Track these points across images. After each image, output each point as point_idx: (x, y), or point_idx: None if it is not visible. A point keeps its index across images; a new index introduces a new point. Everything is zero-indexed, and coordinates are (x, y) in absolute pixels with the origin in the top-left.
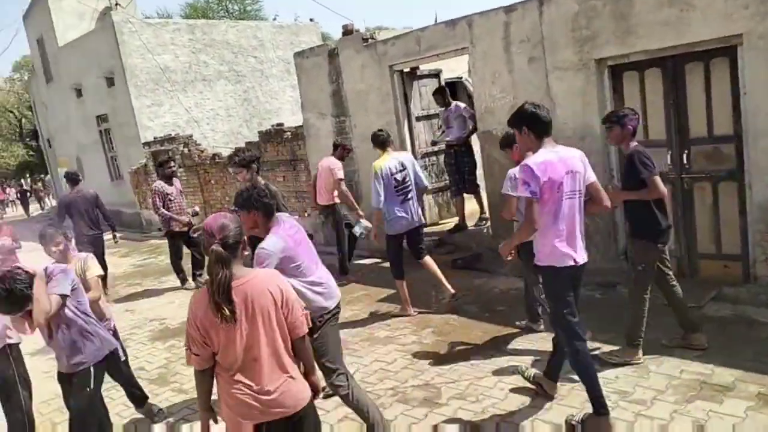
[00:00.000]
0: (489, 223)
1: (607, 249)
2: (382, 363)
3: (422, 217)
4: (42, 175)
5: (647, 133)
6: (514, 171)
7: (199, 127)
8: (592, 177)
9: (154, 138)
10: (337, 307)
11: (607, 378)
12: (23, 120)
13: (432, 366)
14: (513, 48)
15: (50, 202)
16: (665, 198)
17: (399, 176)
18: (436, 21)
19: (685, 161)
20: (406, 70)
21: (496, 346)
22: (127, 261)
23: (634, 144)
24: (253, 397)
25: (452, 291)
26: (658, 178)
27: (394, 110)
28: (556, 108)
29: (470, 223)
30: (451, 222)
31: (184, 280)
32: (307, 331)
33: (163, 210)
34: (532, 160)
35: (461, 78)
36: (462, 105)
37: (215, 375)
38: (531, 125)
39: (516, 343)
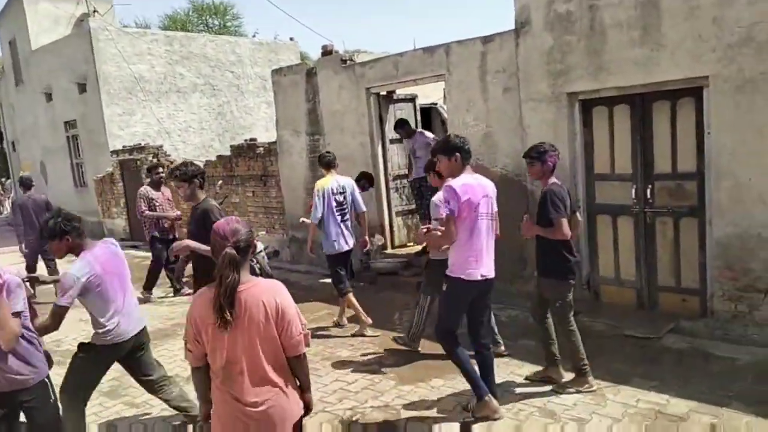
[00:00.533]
0: None
1: None
2: (342, 383)
3: (352, 242)
4: (2, 179)
5: (614, 166)
6: (437, 197)
7: (170, 138)
8: (495, 206)
9: (123, 147)
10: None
11: (565, 405)
12: None
13: (393, 387)
14: (488, 77)
15: (8, 207)
16: (569, 238)
17: (339, 197)
18: (414, 47)
19: (648, 196)
20: (383, 93)
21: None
22: None
23: (552, 181)
24: (239, 410)
25: (368, 322)
26: (564, 221)
27: (369, 132)
28: (528, 138)
29: None
30: (419, 246)
31: (177, 291)
32: (303, 351)
33: (148, 212)
34: (455, 182)
35: (436, 104)
36: (427, 133)
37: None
38: (461, 153)
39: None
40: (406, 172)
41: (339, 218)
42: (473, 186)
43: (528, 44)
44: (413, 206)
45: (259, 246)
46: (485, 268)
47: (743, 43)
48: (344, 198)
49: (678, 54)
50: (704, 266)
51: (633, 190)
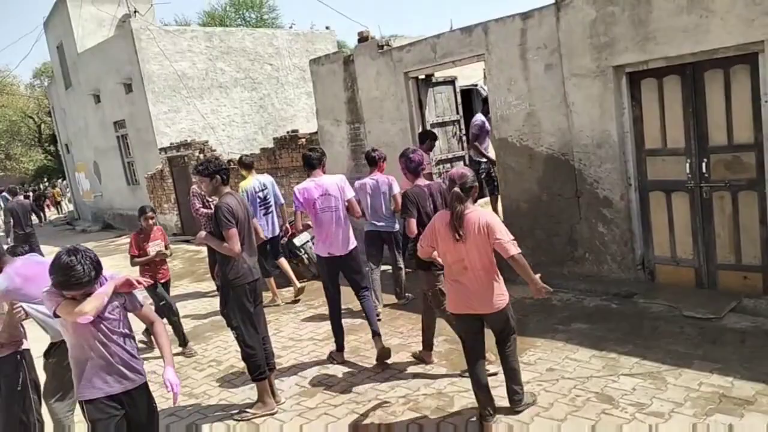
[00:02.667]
0: None
1: (624, 258)
2: (394, 371)
3: (278, 229)
4: (59, 180)
5: (665, 141)
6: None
7: (214, 134)
8: (348, 195)
9: (171, 144)
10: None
11: (624, 389)
12: (42, 125)
13: (444, 374)
14: (529, 55)
15: (67, 207)
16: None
17: (261, 194)
18: (451, 29)
19: (703, 170)
20: (422, 77)
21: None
22: None
23: (416, 183)
24: (464, 295)
25: (298, 286)
26: (412, 220)
27: (409, 117)
28: (573, 115)
29: None
30: None
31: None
32: (511, 254)
33: (203, 209)
34: (297, 187)
35: (476, 85)
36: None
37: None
38: (306, 163)
39: (530, 355)
40: (449, 157)
41: (263, 212)
42: (310, 188)
43: (569, 18)
44: None
45: (305, 236)
46: (332, 248)
47: None
48: (265, 194)
49: (729, 19)
50: (766, 242)
51: (687, 165)
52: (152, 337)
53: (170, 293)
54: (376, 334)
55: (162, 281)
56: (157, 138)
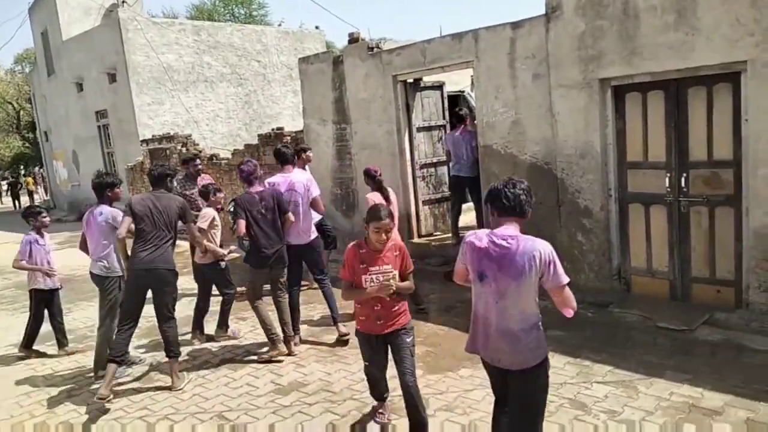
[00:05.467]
0: None
1: (601, 268)
2: None
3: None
4: (36, 167)
5: (647, 154)
6: None
7: (198, 128)
8: (314, 193)
9: (153, 136)
10: None
11: (596, 397)
12: (21, 112)
13: (420, 376)
14: (518, 64)
15: (43, 194)
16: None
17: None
18: (441, 34)
19: (683, 184)
20: (410, 80)
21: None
22: None
23: (248, 190)
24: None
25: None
26: (241, 221)
27: (396, 120)
28: (557, 125)
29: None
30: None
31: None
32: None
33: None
34: (268, 179)
35: (463, 92)
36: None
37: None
38: (278, 158)
39: None
40: (433, 161)
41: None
42: (279, 182)
43: (559, 29)
44: (439, 195)
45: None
46: (290, 237)
47: None
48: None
49: (714, 38)
50: (740, 257)
51: (667, 179)
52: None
53: None
54: (335, 321)
55: None
56: (140, 129)
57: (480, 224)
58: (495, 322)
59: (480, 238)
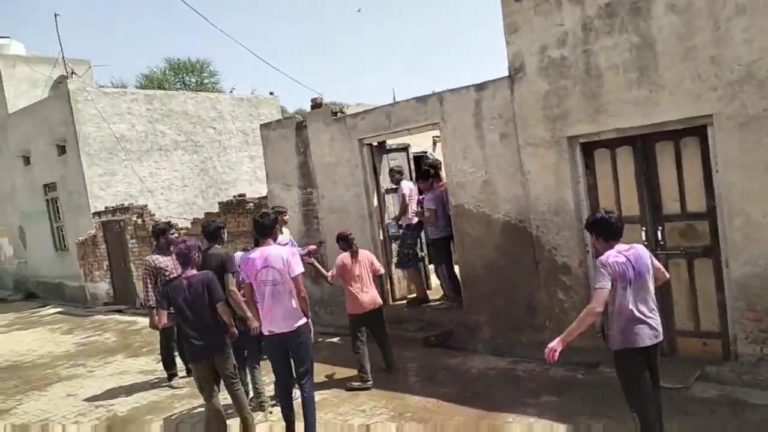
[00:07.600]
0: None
1: None
2: None
3: None
4: None
5: (620, 209)
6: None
7: (153, 197)
8: (295, 270)
9: (105, 207)
10: None
11: None
12: None
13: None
14: (484, 124)
15: None
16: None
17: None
18: (394, 99)
19: (659, 237)
20: (375, 143)
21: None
22: (70, 339)
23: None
24: None
25: None
26: (163, 312)
27: (363, 182)
28: (529, 183)
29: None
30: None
31: (172, 376)
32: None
33: (152, 293)
34: (244, 255)
35: (425, 152)
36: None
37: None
38: (256, 230)
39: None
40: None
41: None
42: (254, 259)
43: (523, 90)
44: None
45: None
46: (272, 325)
47: (744, 81)
48: None
49: (678, 94)
50: (724, 308)
51: (642, 233)
52: None
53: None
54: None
55: None
56: (91, 201)
57: (454, 280)
58: (644, 309)
59: (617, 256)
